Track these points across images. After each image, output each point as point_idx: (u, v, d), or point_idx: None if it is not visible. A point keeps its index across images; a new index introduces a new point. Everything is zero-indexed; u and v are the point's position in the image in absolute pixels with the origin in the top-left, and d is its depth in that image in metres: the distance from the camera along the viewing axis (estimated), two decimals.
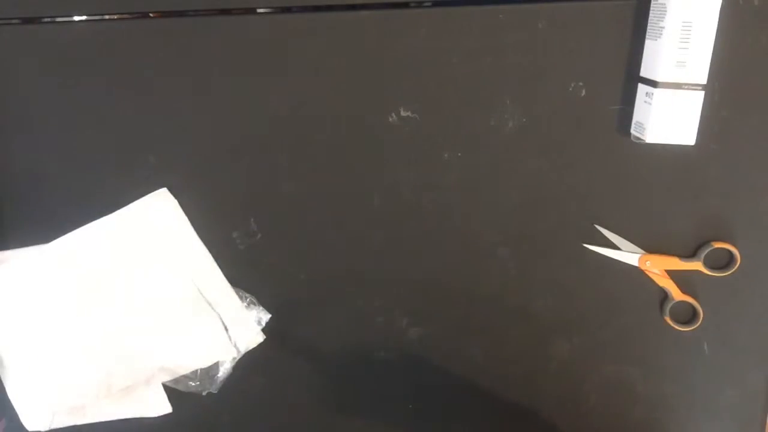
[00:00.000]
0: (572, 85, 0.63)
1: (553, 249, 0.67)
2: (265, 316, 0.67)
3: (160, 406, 0.68)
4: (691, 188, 0.65)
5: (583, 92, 0.63)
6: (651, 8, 0.60)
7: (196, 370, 0.67)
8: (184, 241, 0.66)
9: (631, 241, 0.66)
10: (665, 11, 0.57)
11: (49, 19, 0.62)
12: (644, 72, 0.61)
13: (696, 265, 0.66)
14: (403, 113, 0.64)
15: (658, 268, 0.66)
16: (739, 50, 0.61)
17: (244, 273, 0.67)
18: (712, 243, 0.66)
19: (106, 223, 0.65)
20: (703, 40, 0.57)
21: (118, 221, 0.65)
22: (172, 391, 0.68)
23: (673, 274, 0.66)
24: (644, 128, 0.60)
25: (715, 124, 0.63)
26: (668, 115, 0.59)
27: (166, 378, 0.67)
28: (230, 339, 0.67)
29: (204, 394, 0.68)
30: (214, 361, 0.67)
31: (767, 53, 0.61)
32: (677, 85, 0.58)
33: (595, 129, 0.64)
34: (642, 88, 0.61)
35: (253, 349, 0.68)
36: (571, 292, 0.68)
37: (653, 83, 0.59)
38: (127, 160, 0.64)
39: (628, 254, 0.66)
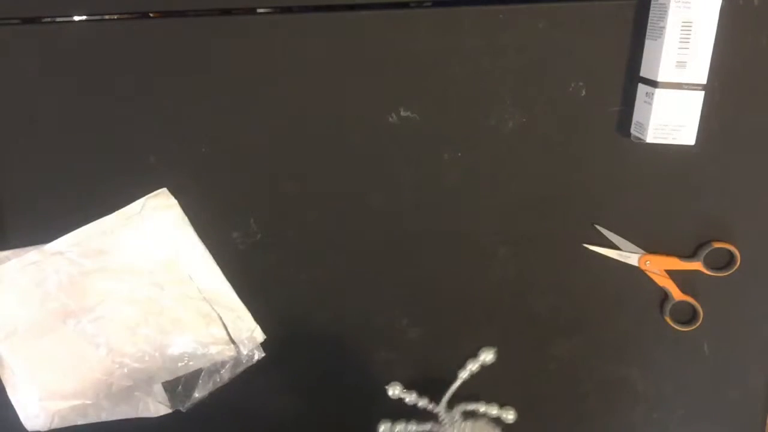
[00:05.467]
0: (572, 85, 0.63)
1: (553, 249, 0.67)
2: (266, 316, 0.67)
3: (160, 406, 0.68)
4: (691, 188, 0.65)
5: (583, 92, 0.63)
6: (651, 8, 0.60)
7: (197, 370, 0.67)
8: (184, 241, 0.66)
9: (631, 241, 0.66)
10: (665, 11, 0.57)
11: (49, 19, 0.62)
12: (644, 72, 0.61)
13: (696, 265, 0.66)
14: (403, 113, 0.64)
15: (658, 268, 0.66)
16: (739, 50, 0.61)
17: (244, 273, 0.67)
18: (712, 243, 0.66)
19: (106, 223, 0.65)
20: (703, 40, 0.57)
21: (118, 221, 0.65)
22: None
23: (673, 274, 0.67)
24: (644, 128, 0.60)
25: (715, 124, 0.63)
26: (668, 115, 0.59)
27: (166, 378, 0.67)
28: (230, 339, 0.67)
29: (204, 394, 0.68)
30: (214, 361, 0.67)
31: (767, 53, 0.61)
32: (677, 85, 0.58)
33: (595, 129, 0.64)
34: (642, 88, 0.61)
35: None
36: (571, 292, 0.68)
37: (653, 83, 0.59)
38: (127, 160, 0.64)
39: (628, 254, 0.66)
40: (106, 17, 0.62)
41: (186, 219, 0.66)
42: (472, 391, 0.71)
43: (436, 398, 0.70)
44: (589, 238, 0.66)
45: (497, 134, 0.64)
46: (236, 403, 0.70)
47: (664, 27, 0.57)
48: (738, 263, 0.66)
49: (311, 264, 0.67)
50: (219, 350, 0.67)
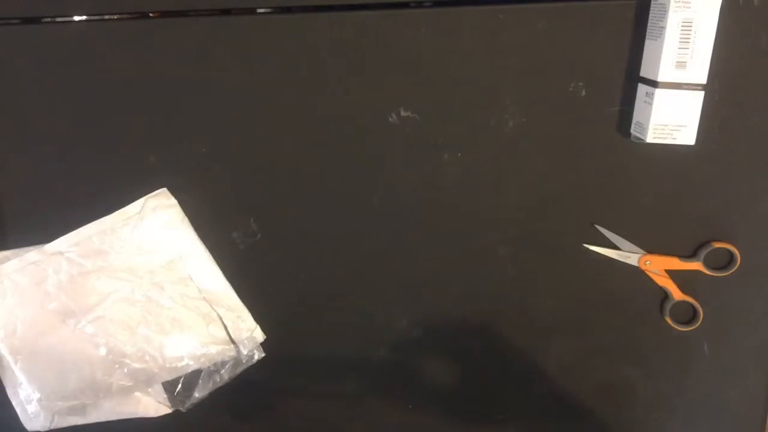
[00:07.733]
0: (572, 85, 0.63)
1: (553, 249, 0.67)
2: (266, 316, 0.67)
3: (160, 406, 0.67)
4: (691, 188, 0.65)
5: (583, 92, 0.63)
6: (651, 8, 0.60)
7: (197, 370, 0.67)
8: (184, 241, 0.66)
9: (631, 241, 0.66)
10: (665, 11, 0.57)
11: (49, 19, 0.62)
12: (644, 72, 0.61)
13: (696, 265, 0.66)
14: (403, 113, 0.64)
15: (658, 268, 0.66)
16: (739, 50, 0.61)
17: (244, 273, 0.67)
18: (712, 243, 0.66)
19: (106, 223, 0.65)
20: (703, 40, 0.57)
21: (118, 221, 0.65)
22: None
23: (673, 274, 0.66)
24: (644, 128, 0.60)
25: (715, 124, 0.63)
26: (668, 116, 0.59)
27: (166, 378, 0.67)
28: (230, 339, 0.67)
29: (204, 393, 0.68)
30: (214, 361, 0.67)
31: (767, 53, 0.61)
32: (677, 85, 0.58)
33: (595, 129, 0.64)
34: (642, 88, 0.61)
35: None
36: (571, 292, 0.68)
37: (653, 83, 0.59)
38: (127, 160, 0.64)
39: (628, 254, 0.66)
40: (106, 17, 0.62)
41: (186, 219, 0.66)
42: (471, 393, 0.71)
43: (434, 397, 0.70)
44: (589, 238, 0.66)
45: (497, 134, 0.64)
46: (236, 403, 0.70)
47: (664, 27, 0.57)
48: (738, 263, 0.66)
49: (311, 264, 0.67)
50: (219, 350, 0.67)
